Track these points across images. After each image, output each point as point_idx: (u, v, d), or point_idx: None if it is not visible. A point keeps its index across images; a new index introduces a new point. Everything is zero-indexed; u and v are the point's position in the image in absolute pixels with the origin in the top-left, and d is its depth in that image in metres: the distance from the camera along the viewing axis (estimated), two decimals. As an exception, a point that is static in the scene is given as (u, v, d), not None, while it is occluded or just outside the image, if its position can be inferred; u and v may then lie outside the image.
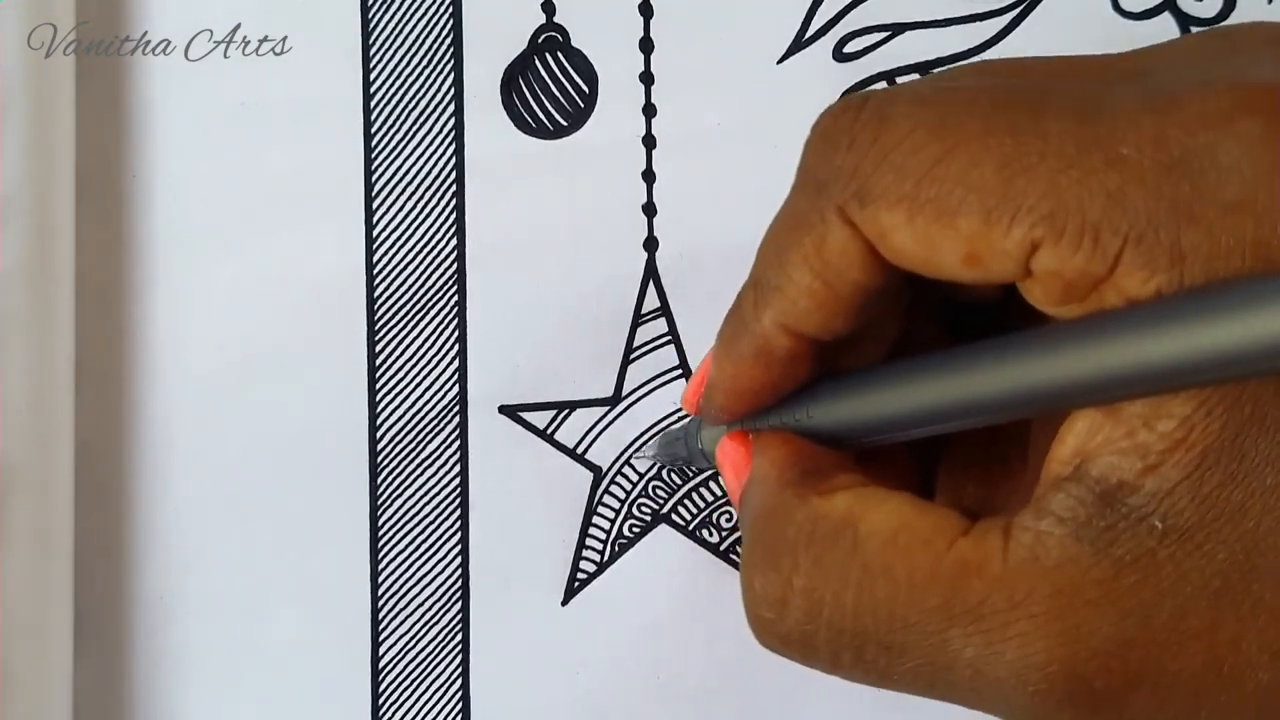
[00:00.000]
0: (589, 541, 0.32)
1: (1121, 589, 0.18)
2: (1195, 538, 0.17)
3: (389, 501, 0.32)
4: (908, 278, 0.21)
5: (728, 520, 0.32)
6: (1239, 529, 0.17)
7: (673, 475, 0.32)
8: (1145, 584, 0.18)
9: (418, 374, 0.32)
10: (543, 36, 0.31)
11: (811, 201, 0.20)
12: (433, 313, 0.31)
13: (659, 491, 0.32)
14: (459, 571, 0.32)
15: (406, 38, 0.31)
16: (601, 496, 0.32)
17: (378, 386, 0.32)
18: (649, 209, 0.31)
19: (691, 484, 0.32)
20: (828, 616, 0.20)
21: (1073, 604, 0.18)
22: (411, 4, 0.31)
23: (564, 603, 0.32)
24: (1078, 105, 0.18)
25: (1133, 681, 0.18)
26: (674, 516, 0.32)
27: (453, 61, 0.31)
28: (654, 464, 0.31)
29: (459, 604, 0.32)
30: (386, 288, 0.31)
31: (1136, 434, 0.18)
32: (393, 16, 0.31)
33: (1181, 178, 0.17)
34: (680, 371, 0.32)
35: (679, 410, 0.32)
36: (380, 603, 0.32)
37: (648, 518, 0.32)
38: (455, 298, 0.31)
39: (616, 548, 0.32)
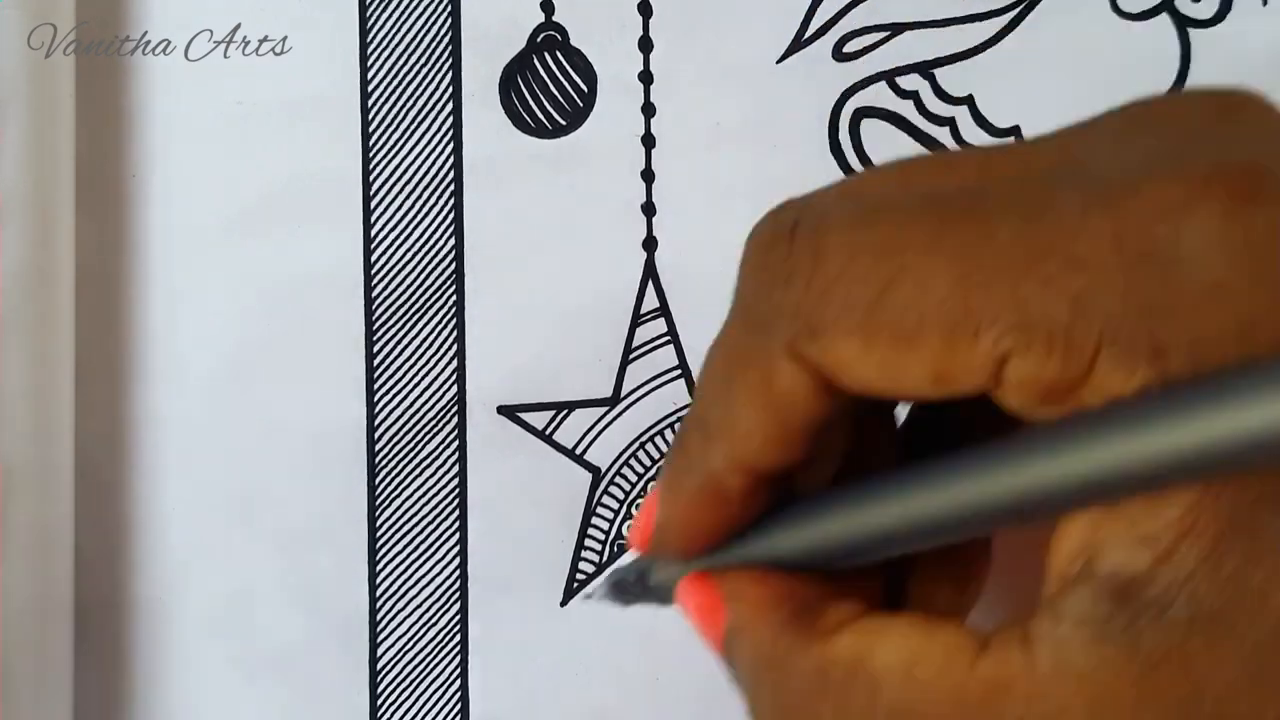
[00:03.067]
0: (588, 542, 0.32)
1: (1158, 687, 0.17)
2: (1224, 621, 0.16)
3: (387, 502, 0.32)
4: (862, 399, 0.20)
5: (727, 521, 0.31)
6: (1267, 606, 0.16)
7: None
8: (1182, 678, 0.17)
9: (416, 374, 0.31)
10: (541, 35, 0.31)
11: (754, 337, 0.19)
12: (431, 312, 0.31)
13: (658, 492, 0.32)
14: (457, 572, 0.32)
15: (404, 36, 0.31)
16: (600, 497, 0.32)
17: (376, 386, 0.32)
18: (648, 208, 0.31)
19: (691, 484, 0.32)
20: None
21: (1111, 711, 0.17)
22: (410, 2, 0.31)
23: (563, 603, 0.32)
24: (1020, 206, 0.17)
25: None
26: (673, 517, 0.32)
27: (451, 60, 0.31)
28: (602, 595, 0.27)
29: (457, 604, 0.32)
30: (384, 287, 0.31)
31: (1140, 524, 0.17)
32: (391, 15, 0.31)
33: (1148, 273, 0.16)
34: (679, 371, 0.32)
35: (679, 409, 0.32)
36: (378, 603, 0.32)
37: (647, 518, 0.32)
38: (453, 297, 0.31)
39: (616, 548, 0.32)
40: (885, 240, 0.18)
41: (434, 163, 0.31)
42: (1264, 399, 0.16)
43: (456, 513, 0.32)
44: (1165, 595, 0.17)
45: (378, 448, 0.32)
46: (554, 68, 0.31)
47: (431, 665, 0.32)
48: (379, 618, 0.32)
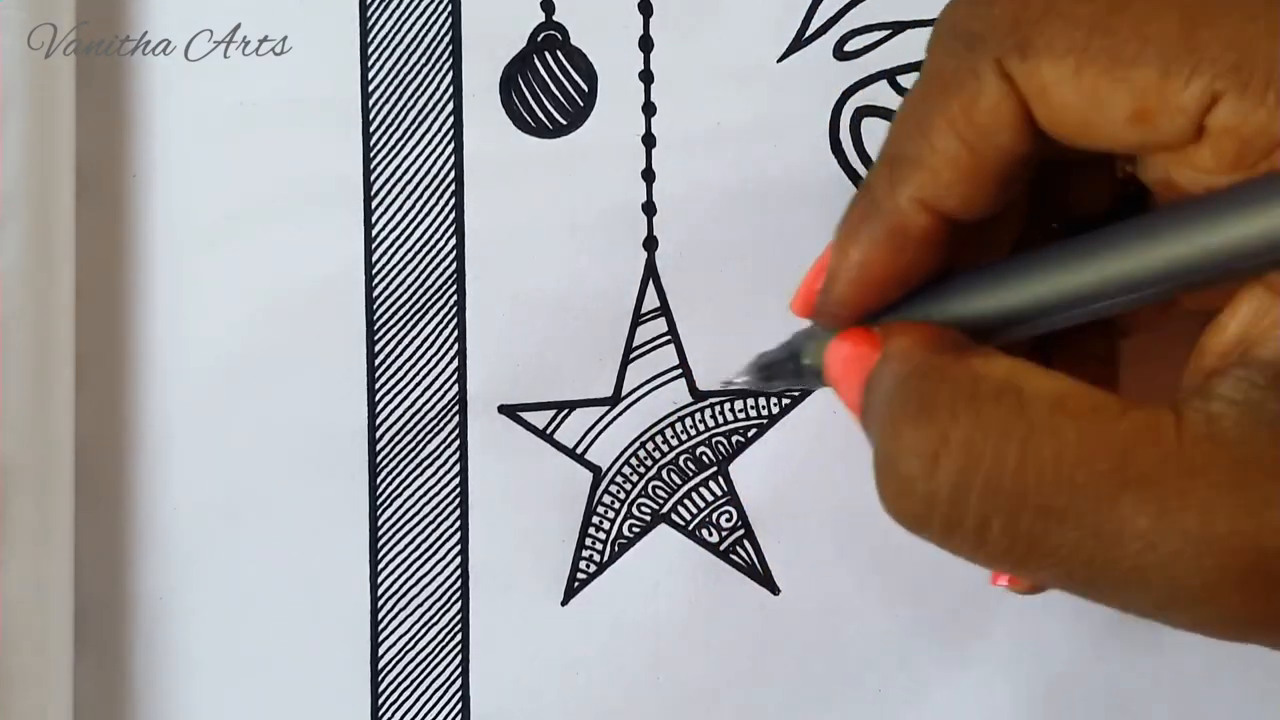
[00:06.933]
0: (589, 541, 0.32)
1: None
2: None
3: (388, 501, 0.32)
4: (1040, 161, 0.20)
5: (728, 520, 0.32)
6: None
7: (673, 475, 0.32)
8: None
9: (417, 374, 0.31)
10: (542, 35, 0.31)
11: (960, 59, 0.19)
12: (432, 312, 0.31)
13: (659, 491, 0.32)
14: (459, 571, 0.32)
15: (405, 36, 0.31)
16: (601, 496, 0.32)
17: (377, 386, 0.32)
18: (649, 208, 0.31)
19: (691, 484, 0.32)
20: (985, 473, 0.18)
21: (1255, 477, 0.17)
22: (410, 3, 0.31)
23: (564, 602, 0.32)
24: None
25: None
26: (674, 516, 0.32)
27: (452, 60, 0.31)
28: (746, 377, 0.27)
29: (459, 604, 0.32)
30: (385, 287, 0.31)
31: None
32: (391, 15, 0.31)
33: None
34: (680, 371, 0.32)
35: (679, 409, 0.32)
36: (380, 602, 0.32)
37: (647, 517, 0.32)
38: (454, 297, 0.31)
39: (616, 547, 0.32)
40: None
41: (434, 163, 0.31)
42: None
43: (457, 512, 0.32)
44: None
45: (378, 447, 0.32)
46: (554, 67, 0.31)
47: (432, 665, 0.32)
48: (379, 618, 0.32)
